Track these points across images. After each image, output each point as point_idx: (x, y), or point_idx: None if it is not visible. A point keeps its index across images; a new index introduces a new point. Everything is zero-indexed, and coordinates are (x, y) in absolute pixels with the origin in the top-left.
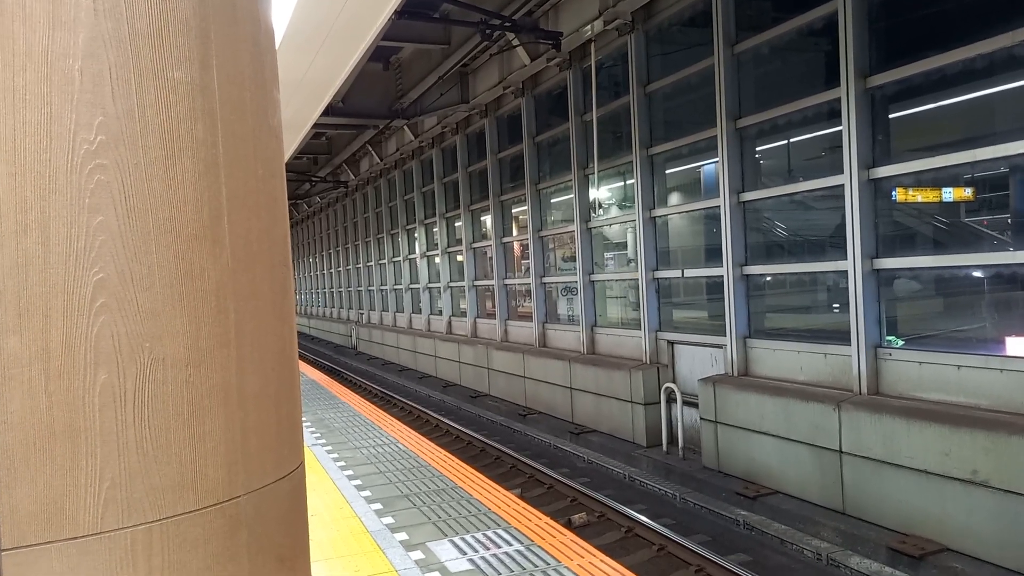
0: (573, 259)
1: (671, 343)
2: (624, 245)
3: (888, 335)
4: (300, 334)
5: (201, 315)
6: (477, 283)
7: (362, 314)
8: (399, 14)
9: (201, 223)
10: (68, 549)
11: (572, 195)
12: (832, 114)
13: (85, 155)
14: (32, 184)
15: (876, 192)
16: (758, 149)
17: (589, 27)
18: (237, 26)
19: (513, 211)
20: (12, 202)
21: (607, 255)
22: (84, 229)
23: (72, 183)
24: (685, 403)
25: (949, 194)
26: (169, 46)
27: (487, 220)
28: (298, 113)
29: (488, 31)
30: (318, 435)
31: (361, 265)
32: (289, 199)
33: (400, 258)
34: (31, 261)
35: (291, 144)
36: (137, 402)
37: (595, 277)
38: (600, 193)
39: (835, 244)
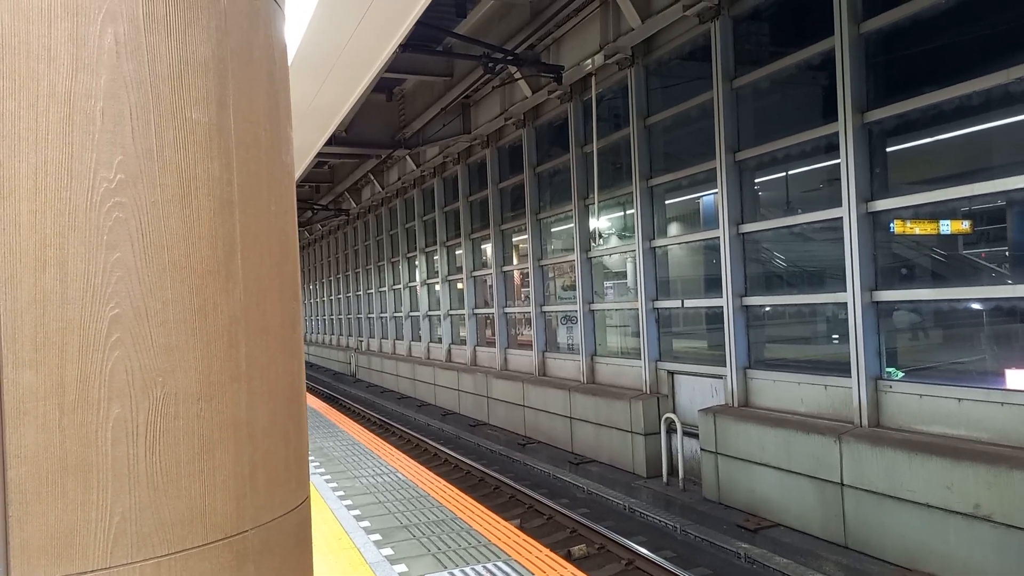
0: (573, 288)
1: (671, 373)
2: (624, 275)
3: (888, 367)
4: None
5: (213, 350)
6: (477, 311)
7: (361, 341)
8: (403, 47)
9: (215, 259)
10: None
11: (572, 225)
12: (830, 148)
13: (104, 193)
14: (52, 221)
15: (875, 225)
16: (757, 181)
17: (590, 61)
18: (253, 66)
19: (513, 240)
20: (32, 239)
21: (607, 284)
22: (101, 266)
23: (91, 220)
24: (685, 434)
25: (947, 227)
26: (188, 87)
27: (487, 248)
28: (303, 142)
29: (490, 64)
30: (317, 464)
31: (361, 292)
32: None
33: (400, 286)
34: (49, 297)
35: (295, 172)
36: (149, 436)
37: (595, 306)
38: (600, 223)
39: (834, 276)
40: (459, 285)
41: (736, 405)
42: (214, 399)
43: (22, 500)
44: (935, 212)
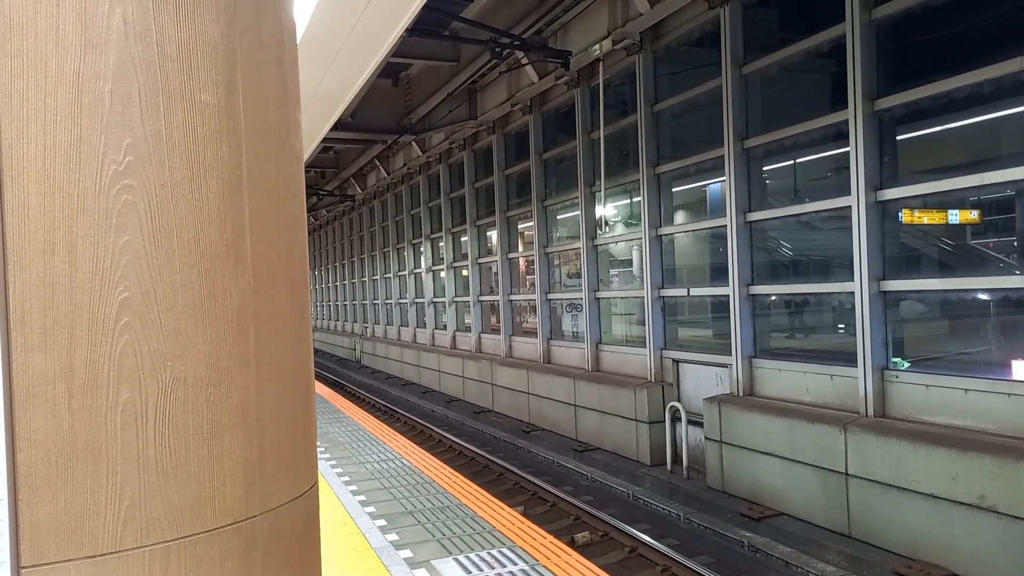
0: (578, 276)
1: (676, 362)
2: (629, 263)
3: (894, 357)
4: None
5: (222, 334)
6: (482, 298)
7: (367, 327)
8: (410, 31)
9: (224, 243)
10: (87, 567)
11: (578, 212)
12: (839, 135)
13: (113, 176)
14: (61, 204)
15: (883, 214)
16: (765, 169)
17: (598, 46)
18: (262, 49)
19: (519, 227)
20: (41, 222)
21: (612, 272)
22: (110, 249)
23: (100, 203)
24: (690, 422)
25: (955, 216)
26: (197, 68)
27: (493, 236)
28: (309, 126)
29: (497, 49)
30: (322, 449)
31: (366, 279)
32: None
33: (405, 272)
34: (58, 280)
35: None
36: (158, 421)
37: (600, 294)
38: (606, 211)
39: (841, 265)
40: (464, 272)
41: (741, 394)
42: (223, 384)
43: (32, 483)
44: (944, 201)
